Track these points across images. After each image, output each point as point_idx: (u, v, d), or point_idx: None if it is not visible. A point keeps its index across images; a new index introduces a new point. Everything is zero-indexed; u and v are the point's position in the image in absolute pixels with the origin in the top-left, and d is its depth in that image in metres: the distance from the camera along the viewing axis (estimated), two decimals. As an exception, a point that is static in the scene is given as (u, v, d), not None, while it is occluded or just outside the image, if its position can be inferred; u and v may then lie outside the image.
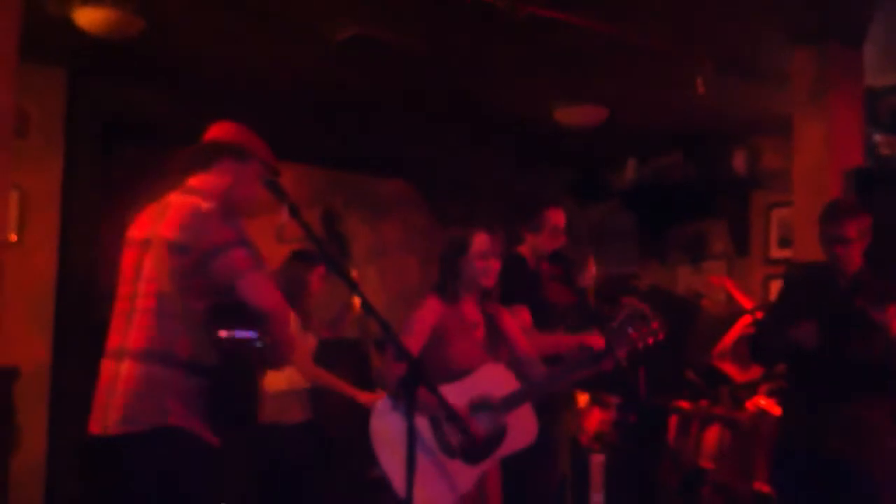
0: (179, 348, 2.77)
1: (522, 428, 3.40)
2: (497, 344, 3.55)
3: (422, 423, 3.23)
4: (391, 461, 3.21)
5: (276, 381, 4.86)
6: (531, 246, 4.26)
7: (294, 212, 2.84)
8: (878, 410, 3.57)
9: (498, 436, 3.35)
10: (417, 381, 2.81)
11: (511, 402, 3.37)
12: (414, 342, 3.31)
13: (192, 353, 2.78)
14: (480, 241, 3.43)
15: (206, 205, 2.86)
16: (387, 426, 3.26)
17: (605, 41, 4.98)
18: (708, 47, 5.11)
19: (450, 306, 3.45)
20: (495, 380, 3.40)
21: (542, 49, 5.23)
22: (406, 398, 2.80)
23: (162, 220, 2.86)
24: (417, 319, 3.39)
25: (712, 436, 5.57)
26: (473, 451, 3.30)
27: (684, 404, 5.78)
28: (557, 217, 4.26)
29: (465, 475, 3.30)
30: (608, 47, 5.11)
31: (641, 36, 4.94)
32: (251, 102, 6.11)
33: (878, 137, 5.57)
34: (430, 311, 3.41)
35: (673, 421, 5.74)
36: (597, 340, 3.69)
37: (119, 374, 2.78)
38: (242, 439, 4.69)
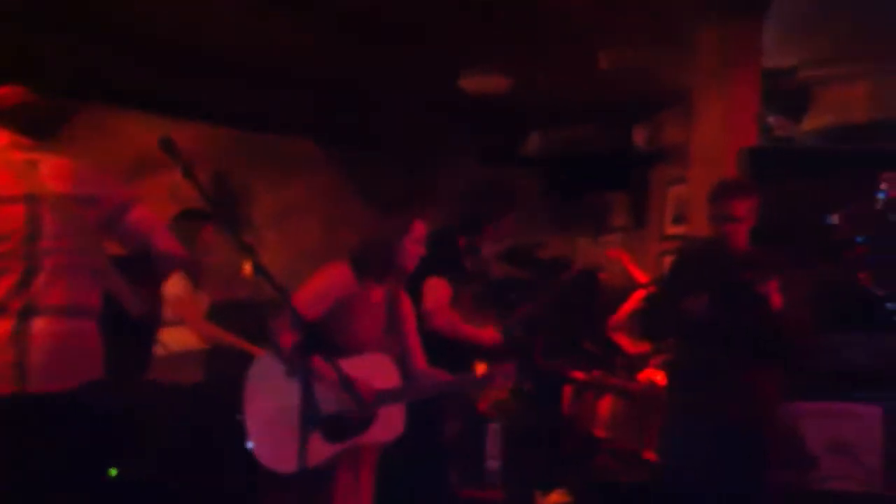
0: (97, 301, 2.87)
1: (389, 422, 3.41)
2: (394, 327, 3.54)
3: (293, 386, 3.20)
4: (254, 413, 3.23)
5: (171, 342, 4.77)
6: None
7: (188, 171, 2.77)
8: (766, 378, 3.69)
9: (363, 424, 3.34)
10: (313, 349, 2.78)
11: (385, 398, 3.36)
12: (317, 307, 3.28)
13: (104, 305, 2.87)
14: (419, 228, 3.46)
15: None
16: (262, 378, 3.27)
17: (515, 11, 4.99)
18: (614, 21, 5.14)
19: (362, 284, 3.42)
20: (378, 370, 3.39)
21: (451, 15, 5.20)
22: (301, 365, 2.77)
23: (40, 175, 2.84)
24: (326, 286, 3.36)
25: (606, 405, 5.68)
26: (335, 429, 3.28)
27: (579, 374, 5.87)
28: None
29: (319, 450, 3.27)
30: (517, 17, 5.11)
31: (551, 7, 4.95)
32: (150, 58, 5.93)
33: (772, 119, 5.71)
34: (340, 283, 3.38)
35: (568, 390, 5.83)
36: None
37: (31, 332, 2.74)
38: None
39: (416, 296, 3.88)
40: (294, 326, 2.90)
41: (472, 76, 6.04)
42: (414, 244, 3.46)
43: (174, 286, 4.80)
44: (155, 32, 5.63)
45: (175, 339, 4.79)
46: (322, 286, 3.38)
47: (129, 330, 2.95)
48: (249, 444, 3.20)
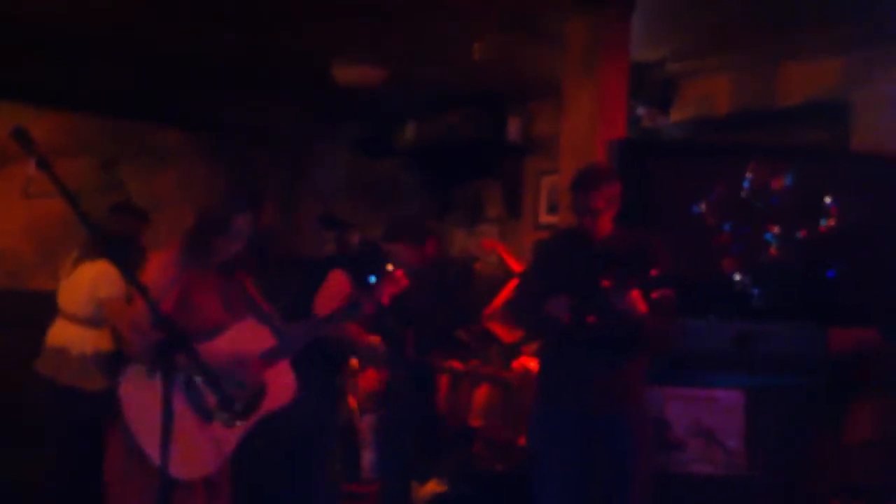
0: None
1: (281, 385, 3.35)
2: (236, 310, 3.44)
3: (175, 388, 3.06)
4: (146, 431, 3.06)
5: (82, 343, 4.57)
6: None
7: (43, 164, 2.63)
8: (629, 368, 3.76)
9: (257, 395, 3.28)
10: (176, 347, 2.69)
11: (268, 358, 3.30)
12: (166, 299, 3.17)
13: None
14: (238, 223, 3.31)
15: None
16: (139, 393, 3.11)
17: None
18: (484, 10, 5.16)
19: (198, 267, 3.31)
20: (250, 336, 3.32)
21: (325, 2, 5.15)
22: (163, 365, 2.68)
23: None
24: (163, 275, 3.23)
25: (482, 395, 5.73)
26: (231, 412, 3.21)
27: (456, 364, 5.90)
28: None
29: (226, 437, 3.21)
30: (391, 3, 5.09)
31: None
32: (14, 42, 5.70)
33: (640, 110, 5.84)
34: (173, 268, 3.25)
35: (444, 381, 5.85)
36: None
37: None
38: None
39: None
40: (156, 325, 2.79)
41: (346, 67, 5.99)
42: (238, 238, 3.32)
43: (110, 287, 4.52)
44: (9, 12, 5.41)
45: (83, 342, 4.59)
46: (160, 274, 3.22)
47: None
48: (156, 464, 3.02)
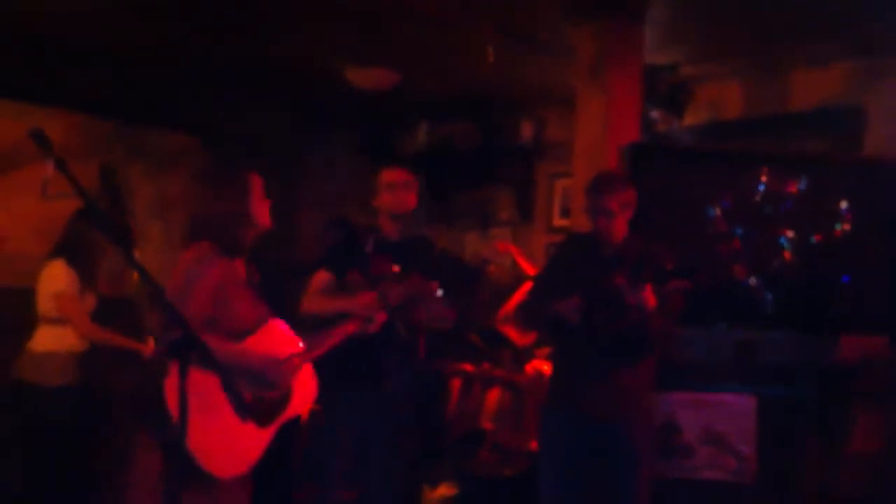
0: None
1: (305, 391, 3.35)
2: (263, 306, 3.42)
3: (215, 383, 2.94)
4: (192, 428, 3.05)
5: (44, 340, 4.64)
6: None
7: (61, 165, 2.65)
8: (635, 373, 3.76)
9: (284, 397, 3.29)
10: (190, 347, 2.70)
11: (298, 361, 3.31)
12: (202, 302, 3.09)
13: None
14: (257, 181, 3.32)
15: None
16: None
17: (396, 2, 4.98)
18: (492, 16, 5.17)
19: (229, 261, 3.28)
20: (280, 336, 3.32)
21: (334, 7, 5.17)
22: (180, 363, 2.69)
23: None
24: (203, 277, 3.13)
25: (493, 397, 5.73)
26: (263, 412, 3.21)
27: (467, 367, 5.91)
28: (391, 175, 4.11)
29: (259, 438, 3.21)
30: (399, 9, 5.10)
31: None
32: (23, 45, 5.73)
33: (654, 114, 5.84)
34: (215, 268, 3.20)
35: (456, 384, 5.86)
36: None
37: None
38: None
39: None
40: (173, 324, 2.79)
41: (359, 70, 6.01)
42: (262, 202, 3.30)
43: (59, 283, 4.64)
44: (21, 18, 5.45)
45: (45, 339, 4.66)
46: (201, 275, 3.11)
47: None
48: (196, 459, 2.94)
